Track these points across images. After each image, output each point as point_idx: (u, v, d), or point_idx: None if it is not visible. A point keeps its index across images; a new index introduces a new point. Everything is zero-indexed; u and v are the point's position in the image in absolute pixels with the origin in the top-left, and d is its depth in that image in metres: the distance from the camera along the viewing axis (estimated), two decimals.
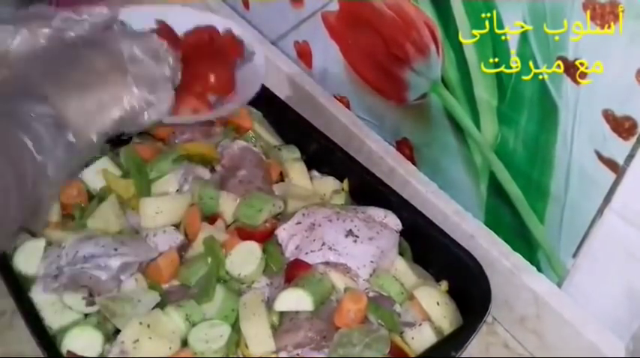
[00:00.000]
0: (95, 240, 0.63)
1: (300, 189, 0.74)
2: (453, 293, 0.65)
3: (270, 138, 0.80)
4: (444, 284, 0.66)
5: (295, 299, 0.60)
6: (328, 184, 0.75)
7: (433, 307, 0.62)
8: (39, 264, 0.63)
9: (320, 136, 0.77)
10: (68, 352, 0.56)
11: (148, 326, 0.57)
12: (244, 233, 0.66)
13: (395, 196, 0.70)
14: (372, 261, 0.64)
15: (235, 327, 0.59)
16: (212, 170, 0.73)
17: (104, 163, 0.72)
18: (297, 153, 0.78)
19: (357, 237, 0.65)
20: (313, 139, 0.78)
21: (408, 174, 0.74)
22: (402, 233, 0.69)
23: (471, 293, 0.62)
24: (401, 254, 0.67)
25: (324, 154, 0.77)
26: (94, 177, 0.71)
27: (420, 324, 0.60)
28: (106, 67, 0.57)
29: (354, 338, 0.57)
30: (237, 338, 0.59)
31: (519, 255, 0.65)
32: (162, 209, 0.67)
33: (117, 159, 0.73)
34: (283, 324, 0.60)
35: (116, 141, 0.76)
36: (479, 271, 0.63)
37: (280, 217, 0.69)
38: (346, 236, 0.65)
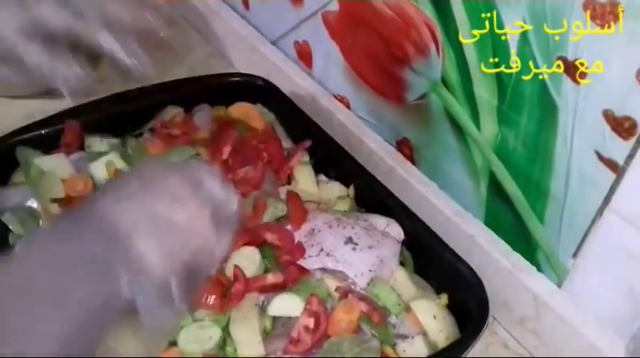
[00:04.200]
0: None
1: (305, 194, 0.73)
2: (453, 306, 0.64)
3: (281, 139, 0.80)
4: (444, 298, 0.65)
5: (289, 305, 0.60)
6: (334, 189, 0.75)
7: (429, 320, 0.61)
8: None
9: (329, 141, 0.77)
10: None
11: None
12: (243, 235, 0.66)
13: (399, 205, 0.70)
14: (370, 270, 0.63)
15: (226, 330, 0.59)
16: None
17: (112, 157, 0.72)
18: (306, 157, 0.78)
19: (357, 244, 0.64)
20: (322, 144, 0.78)
21: (408, 174, 0.74)
22: (405, 243, 0.68)
23: (469, 308, 0.62)
24: (402, 264, 0.67)
25: (332, 159, 0.77)
26: (102, 171, 0.71)
27: (413, 337, 0.60)
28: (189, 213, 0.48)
29: (344, 348, 0.57)
30: (227, 340, 0.58)
31: (519, 255, 0.65)
32: None
33: (127, 155, 0.74)
34: (275, 329, 0.60)
35: (127, 135, 0.77)
36: (478, 286, 0.62)
37: (282, 220, 0.69)
38: (345, 243, 0.65)
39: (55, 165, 0.70)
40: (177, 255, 0.45)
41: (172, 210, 0.46)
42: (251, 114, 0.81)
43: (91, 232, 0.43)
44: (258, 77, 0.85)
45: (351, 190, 0.75)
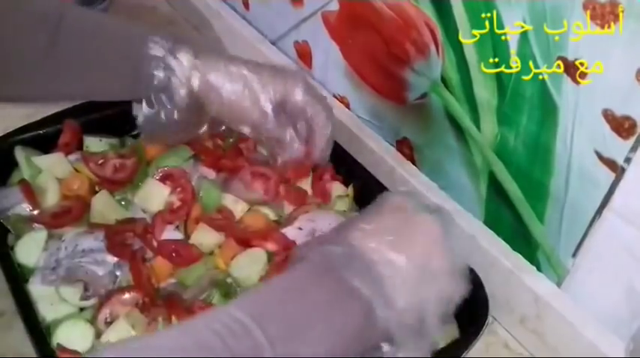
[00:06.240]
0: (95, 235, 0.64)
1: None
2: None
3: None
4: None
5: None
6: (333, 189, 0.74)
7: None
8: (39, 255, 0.63)
9: None
10: (58, 345, 0.56)
11: (133, 326, 0.57)
12: (242, 238, 0.66)
13: None
14: None
15: None
16: (218, 171, 0.73)
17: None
18: None
19: None
20: None
21: (408, 174, 0.74)
22: None
23: (468, 307, 0.61)
24: None
25: (331, 159, 0.76)
26: None
27: None
28: None
29: None
30: None
31: (519, 254, 0.65)
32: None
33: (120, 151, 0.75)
34: None
35: (126, 136, 0.77)
36: (477, 285, 0.61)
37: (282, 221, 0.69)
38: None
39: (53, 165, 0.71)
40: (428, 300, 0.47)
41: (430, 258, 0.47)
42: None
43: (353, 267, 0.45)
44: None
45: (350, 190, 0.75)
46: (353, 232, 0.47)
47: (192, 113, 0.62)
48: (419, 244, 0.48)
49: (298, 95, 0.62)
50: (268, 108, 0.61)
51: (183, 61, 0.59)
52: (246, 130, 0.63)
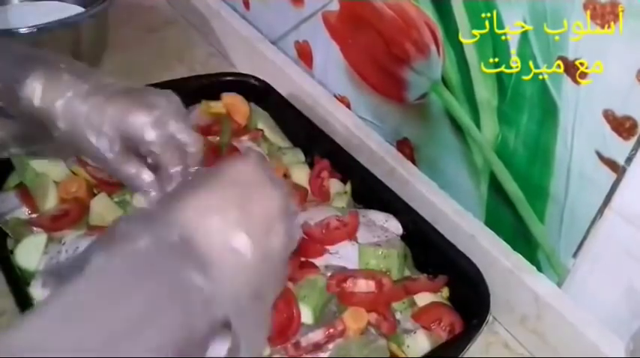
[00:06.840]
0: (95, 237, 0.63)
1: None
2: (453, 301, 0.64)
3: (277, 138, 0.80)
4: (446, 291, 0.65)
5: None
6: (332, 186, 0.75)
7: None
8: (39, 259, 0.63)
9: (325, 139, 0.77)
10: None
11: None
12: None
13: (397, 200, 0.70)
14: None
15: None
16: None
17: None
18: (302, 157, 0.78)
19: (358, 240, 0.65)
20: (318, 142, 0.78)
21: (409, 174, 0.74)
22: (403, 237, 0.68)
23: (470, 301, 0.62)
24: (404, 259, 0.66)
25: (329, 157, 0.77)
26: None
27: (415, 332, 0.60)
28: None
29: (352, 351, 0.57)
30: None
31: (519, 254, 0.65)
32: None
33: None
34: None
35: None
36: (478, 278, 0.62)
37: None
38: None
39: (50, 168, 0.70)
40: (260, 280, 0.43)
41: (269, 237, 0.45)
42: (237, 105, 0.81)
43: (172, 255, 0.40)
44: (252, 76, 0.85)
45: (348, 186, 0.75)
46: (184, 211, 0.43)
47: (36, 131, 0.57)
48: (257, 221, 0.44)
49: (149, 136, 0.54)
50: (111, 149, 0.54)
51: (31, 85, 0.54)
52: (89, 160, 0.62)
